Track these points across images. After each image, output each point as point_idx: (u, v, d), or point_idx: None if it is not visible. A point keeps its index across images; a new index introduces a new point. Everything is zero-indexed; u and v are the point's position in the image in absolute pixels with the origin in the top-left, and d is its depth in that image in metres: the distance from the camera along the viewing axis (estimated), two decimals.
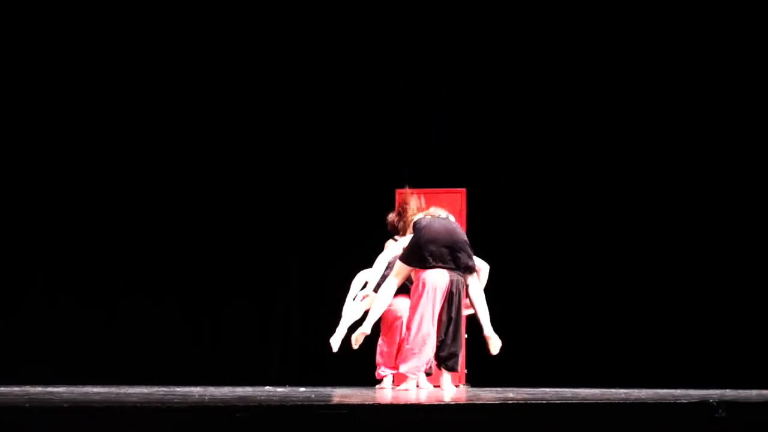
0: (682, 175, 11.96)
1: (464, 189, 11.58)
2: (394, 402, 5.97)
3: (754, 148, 11.92)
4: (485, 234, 11.86)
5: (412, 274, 9.03)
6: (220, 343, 12.32)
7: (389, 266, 9.21)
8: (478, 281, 9.03)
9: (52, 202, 12.41)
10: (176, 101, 12.52)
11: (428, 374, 9.14)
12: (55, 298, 12.29)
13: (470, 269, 8.90)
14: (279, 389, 9.09)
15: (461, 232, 9.03)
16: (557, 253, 12.04)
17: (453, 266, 8.84)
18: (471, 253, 8.96)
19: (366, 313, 9.22)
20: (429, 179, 11.55)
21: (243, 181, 12.48)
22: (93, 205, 12.45)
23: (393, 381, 9.44)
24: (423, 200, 9.26)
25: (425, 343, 8.83)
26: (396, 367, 9.17)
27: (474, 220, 11.59)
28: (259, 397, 6.44)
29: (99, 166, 12.49)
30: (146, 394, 7.07)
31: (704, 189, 11.89)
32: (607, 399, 6.68)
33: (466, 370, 11.02)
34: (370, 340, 9.35)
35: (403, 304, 9.18)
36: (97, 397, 6.20)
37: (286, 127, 12.54)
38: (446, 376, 9.05)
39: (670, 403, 6.07)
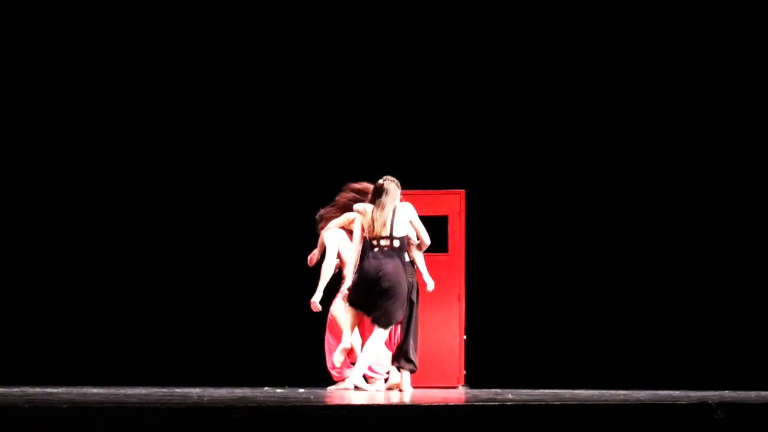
0: (681, 178, 11.95)
1: (463, 190, 11.57)
2: (394, 403, 5.97)
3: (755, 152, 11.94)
4: (484, 235, 11.88)
5: None
6: (219, 343, 12.32)
7: None
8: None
9: (53, 201, 12.42)
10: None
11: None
12: (54, 298, 12.29)
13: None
14: (278, 390, 9.09)
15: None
16: (556, 254, 12.03)
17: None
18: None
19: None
20: (429, 180, 11.55)
21: (242, 184, 12.47)
22: (94, 204, 12.46)
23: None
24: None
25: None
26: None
27: (473, 220, 11.59)
28: (258, 398, 6.44)
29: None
30: (145, 394, 7.07)
31: (704, 191, 11.89)
32: (607, 400, 6.69)
33: (465, 372, 11.03)
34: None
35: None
36: (96, 398, 6.20)
37: (287, 127, 12.53)
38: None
39: (669, 404, 6.07)
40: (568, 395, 7.69)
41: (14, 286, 12.28)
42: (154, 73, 12.51)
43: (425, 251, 9.14)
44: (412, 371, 9.27)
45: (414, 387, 9.48)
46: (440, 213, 11.39)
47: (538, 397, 6.94)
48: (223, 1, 12.55)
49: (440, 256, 11.11)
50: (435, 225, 10.80)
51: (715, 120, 11.92)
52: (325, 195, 11.78)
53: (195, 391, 8.06)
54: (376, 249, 9.00)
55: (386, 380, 9.30)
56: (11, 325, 12.17)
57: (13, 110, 12.46)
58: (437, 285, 9.47)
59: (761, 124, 11.87)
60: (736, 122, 11.90)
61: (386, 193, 9.05)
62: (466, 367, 11.04)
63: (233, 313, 12.36)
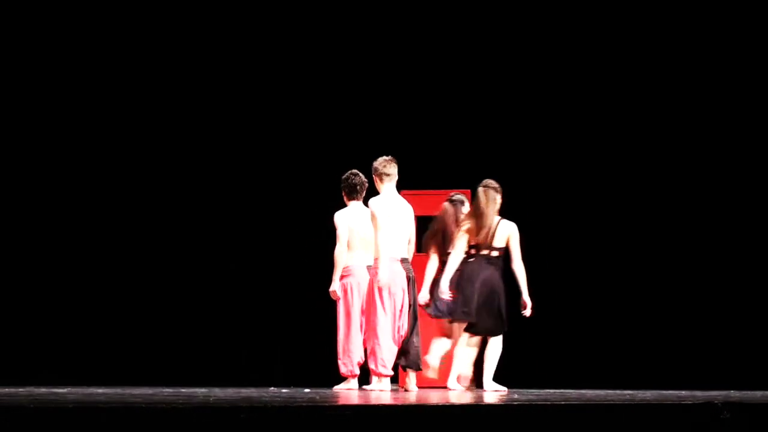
0: (686, 179, 11.94)
1: (468, 190, 11.57)
2: (398, 403, 5.98)
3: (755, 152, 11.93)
4: None
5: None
6: (224, 343, 12.32)
7: None
8: None
9: (55, 202, 12.43)
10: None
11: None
12: (58, 298, 12.31)
13: None
14: (283, 390, 9.09)
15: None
16: (562, 253, 12.01)
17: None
18: None
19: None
20: (434, 180, 11.55)
21: (247, 182, 12.48)
22: (97, 204, 12.47)
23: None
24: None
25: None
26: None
27: None
28: (263, 398, 6.44)
29: (94, 168, 12.54)
30: (151, 394, 7.07)
31: (709, 191, 11.87)
32: (612, 400, 6.69)
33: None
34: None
35: None
36: (101, 398, 6.21)
37: (289, 128, 12.53)
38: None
39: (675, 404, 6.07)
40: (574, 395, 7.69)
41: (20, 287, 12.29)
42: (153, 73, 12.52)
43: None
44: (418, 370, 9.29)
45: (419, 387, 9.49)
46: None
47: (544, 397, 6.94)
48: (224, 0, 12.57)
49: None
50: None
51: (713, 122, 11.91)
52: (328, 196, 11.78)
53: (201, 391, 8.07)
54: (472, 259, 9.21)
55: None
56: (17, 325, 12.19)
57: (13, 113, 12.49)
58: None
59: (759, 128, 11.87)
60: (736, 125, 11.90)
61: (494, 201, 9.22)
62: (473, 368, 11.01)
63: (237, 313, 12.36)
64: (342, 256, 9.40)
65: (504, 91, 12.26)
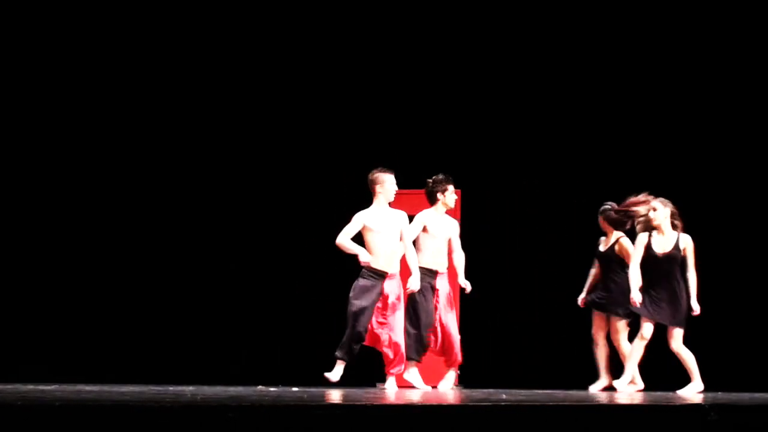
0: (680, 178, 11.97)
1: (459, 190, 11.57)
2: (388, 402, 5.97)
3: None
4: (480, 234, 11.87)
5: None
6: (214, 342, 12.32)
7: None
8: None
9: (51, 202, 12.42)
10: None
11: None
12: (47, 294, 12.29)
13: None
14: (271, 389, 9.08)
15: None
16: (552, 254, 12.03)
17: None
18: None
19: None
20: (426, 180, 11.54)
21: (247, 182, 12.49)
22: (92, 201, 12.46)
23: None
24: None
25: None
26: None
27: (469, 220, 11.59)
28: (251, 397, 6.43)
29: (93, 167, 12.52)
30: (138, 392, 7.06)
31: (702, 193, 11.91)
32: (600, 401, 6.69)
33: (459, 372, 11.01)
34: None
35: None
36: (89, 396, 6.19)
37: (285, 128, 12.55)
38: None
39: (663, 405, 6.08)
40: (561, 396, 7.70)
41: (9, 283, 12.28)
42: (154, 72, 12.52)
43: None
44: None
45: (408, 387, 9.51)
46: None
47: (532, 398, 6.94)
48: (225, 1, 12.57)
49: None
50: None
51: (718, 125, 11.94)
52: (323, 194, 11.81)
53: (188, 390, 8.06)
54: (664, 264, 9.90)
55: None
56: (4, 322, 12.17)
57: (14, 114, 12.48)
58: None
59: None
60: (745, 125, 11.93)
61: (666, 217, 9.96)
62: (461, 367, 11.02)
63: (237, 313, 12.38)
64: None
65: (498, 93, 12.29)
